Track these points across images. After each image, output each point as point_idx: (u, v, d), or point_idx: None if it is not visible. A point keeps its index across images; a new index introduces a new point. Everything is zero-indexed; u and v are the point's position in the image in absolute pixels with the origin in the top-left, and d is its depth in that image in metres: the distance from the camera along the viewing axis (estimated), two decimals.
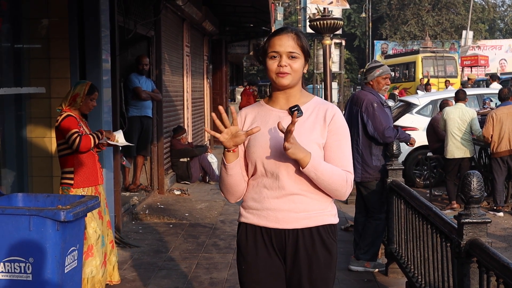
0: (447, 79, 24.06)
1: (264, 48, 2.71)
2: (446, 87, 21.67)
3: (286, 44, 2.64)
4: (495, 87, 16.86)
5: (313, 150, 2.63)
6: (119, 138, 5.31)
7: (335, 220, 2.75)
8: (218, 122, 2.58)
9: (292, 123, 2.48)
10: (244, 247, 2.75)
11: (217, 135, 2.58)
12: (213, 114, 2.55)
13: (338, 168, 2.66)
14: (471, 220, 3.30)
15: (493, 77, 20.23)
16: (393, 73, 29.03)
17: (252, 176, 2.75)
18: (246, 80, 21.31)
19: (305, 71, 2.73)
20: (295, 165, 2.63)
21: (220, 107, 2.62)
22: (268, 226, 2.69)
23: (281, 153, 2.62)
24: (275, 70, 2.66)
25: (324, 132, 2.69)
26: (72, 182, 4.92)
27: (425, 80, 24.40)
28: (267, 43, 2.70)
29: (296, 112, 2.54)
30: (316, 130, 2.68)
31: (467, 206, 3.34)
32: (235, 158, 2.67)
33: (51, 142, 5.96)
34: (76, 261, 4.11)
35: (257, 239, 2.71)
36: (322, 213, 2.70)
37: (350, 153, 2.73)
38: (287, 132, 2.49)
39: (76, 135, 4.81)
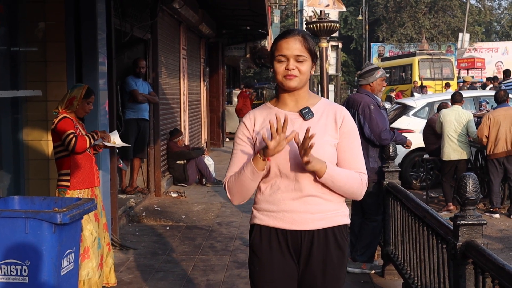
0: (448, 81, 24.08)
1: (272, 51, 2.71)
2: (446, 90, 21.68)
3: (293, 47, 2.64)
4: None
5: (327, 151, 2.67)
6: (116, 139, 5.32)
7: (347, 220, 2.79)
8: (277, 126, 2.54)
9: (310, 137, 2.49)
10: (258, 249, 2.75)
11: (269, 142, 2.55)
12: (276, 118, 2.54)
13: (352, 171, 2.71)
14: (466, 222, 3.30)
15: (489, 80, 20.32)
16: (389, 76, 29.09)
17: (263, 178, 2.73)
18: (243, 83, 21.33)
19: (312, 72, 2.74)
20: None
21: (278, 116, 2.57)
22: (284, 228, 2.70)
23: (296, 155, 2.63)
24: (283, 73, 2.66)
25: (335, 134, 2.72)
26: (68, 184, 4.92)
27: (419, 82, 24.41)
28: (274, 46, 2.71)
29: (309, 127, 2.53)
30: (328, 132, 2.70)
31: (463, 208, 3.34)
32: (265, 166, 2.66)
33: (47, 145, 5.96)
34: (72, 263, 4.12)
35: (271, 241, 2.72)
36: (336, 213, 2.73)
37: (361, 153, 2.78)
38: (308, 147, 2.50)
39: (71, 135, 4.82)
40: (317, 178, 2.63)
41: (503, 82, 18.00)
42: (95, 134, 5.06)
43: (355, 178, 2.71)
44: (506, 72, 19.09)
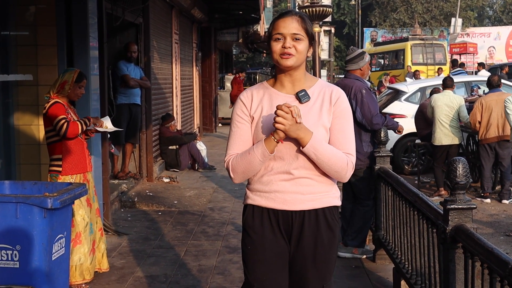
0: (440, 66, 24.07)
1: (269, 31, 2.73)
2: (438, 75, 21.71)
3: (290, 26, 2.65)
4: (483, 74, 16.93)
5: (320, 133, 2.67)
6: (107, 124, 5.30)
7: (338, 202, 2.81)
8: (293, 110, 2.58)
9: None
10: (251, 228, 2.78)
11: (285, 122, 2.57)
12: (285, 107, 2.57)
13: (339, 151, 2.71)
14: (456, 206, 3.31)
15: (480, 65, 20.40)
16: (382, 61, 29.07)
17: None
18: (235, 68, 21.26)
19: (309, 54, 2.74)
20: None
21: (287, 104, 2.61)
22: (275, 208, 2.73)
23: (290, 138, 2.65)
24: (279, 52, 2.67)
25: (330, 116, 2.73)
26: (60, 169, 4.90)
27: (413, 68, 24.40)
28: (271, 26, 2.72)
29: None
30: (323, 114, 2.71)
31: (453, 192, 3.35)
32: (275, 148, 2.67)
33: (38, 130, 5.94)
34: (63, 248, 4.12)
35: (263, 220, 2.75)
36: (327, 195, 2.75)
37: (353, 136, 2.78)
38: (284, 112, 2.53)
39: (63, 121, 4.80)
40: (300, 148, 2.64)
41: (451, 71, 18.32)
42: (87, 120, 5.03)
43: (341, 157, 2.69)
44: (454, 62, 19.55)
